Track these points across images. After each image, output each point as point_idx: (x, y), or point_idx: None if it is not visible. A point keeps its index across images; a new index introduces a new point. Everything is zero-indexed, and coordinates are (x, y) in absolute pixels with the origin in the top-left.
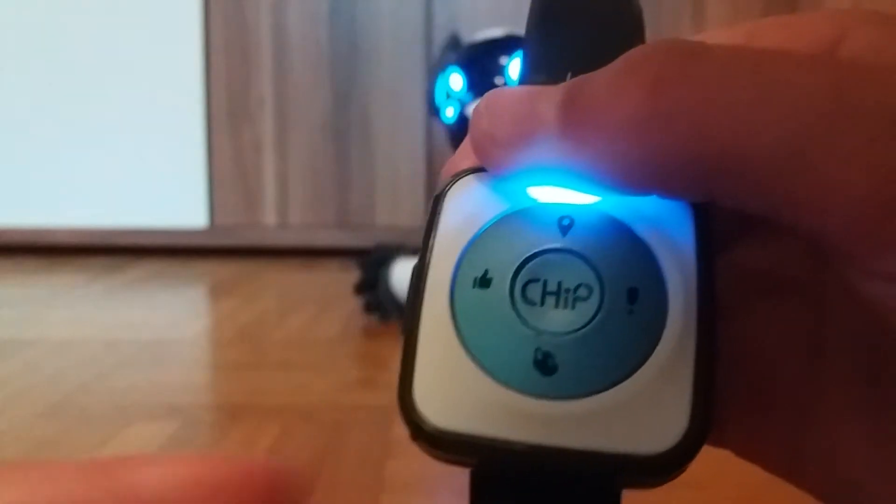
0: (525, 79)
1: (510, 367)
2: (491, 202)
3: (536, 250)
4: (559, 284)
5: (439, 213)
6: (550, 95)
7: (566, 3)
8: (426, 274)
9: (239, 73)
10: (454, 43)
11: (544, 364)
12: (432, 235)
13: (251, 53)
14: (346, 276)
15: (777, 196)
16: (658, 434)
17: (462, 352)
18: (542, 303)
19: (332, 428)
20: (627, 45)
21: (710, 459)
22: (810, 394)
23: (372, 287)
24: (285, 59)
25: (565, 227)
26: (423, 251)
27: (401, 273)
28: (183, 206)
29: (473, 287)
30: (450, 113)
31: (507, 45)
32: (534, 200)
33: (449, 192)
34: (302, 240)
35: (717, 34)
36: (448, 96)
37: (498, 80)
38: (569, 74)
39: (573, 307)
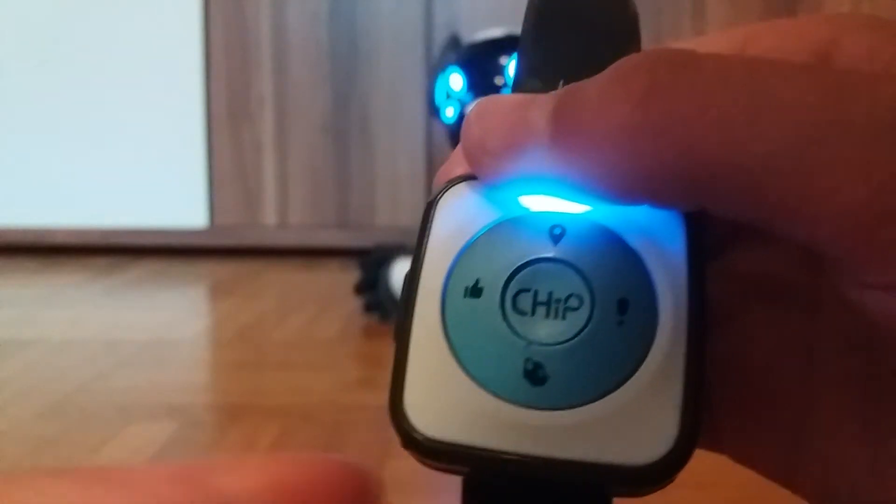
0: (519, 82)
1: (500, 377)
2: (482, 211)
3: (527, 259)
4: (550, 294)
5: (431, 221)
6: (541, 104)
7: (562, 8)
8: (418, 282)
9: (239, 73)
10: (454, 43)
11: (534, 374)
12: (424, 244)
13: (251, 53)
14: (346, 276)
15: (769, 206)
16: (647, 445)
17: (452, 361)
18: (533, 313)
19: (332, 428)
20: (622, 51)
21: (711, 459)
22: (806, 399)
23: (372, 287)
24: (285, 59)
25: (557, 236)
26: (414, 259)
27: (401, 273)
28: (183, 206)
29: (464, 296)
30: (450, 113)
31: (507, 45)
32: (525, 209)
33: (441, 200)
34: (302, 240)
35: (712, 39)
36: (448, 96)
37: (498, 80)
38: (561, 82)
39: (564, 317)
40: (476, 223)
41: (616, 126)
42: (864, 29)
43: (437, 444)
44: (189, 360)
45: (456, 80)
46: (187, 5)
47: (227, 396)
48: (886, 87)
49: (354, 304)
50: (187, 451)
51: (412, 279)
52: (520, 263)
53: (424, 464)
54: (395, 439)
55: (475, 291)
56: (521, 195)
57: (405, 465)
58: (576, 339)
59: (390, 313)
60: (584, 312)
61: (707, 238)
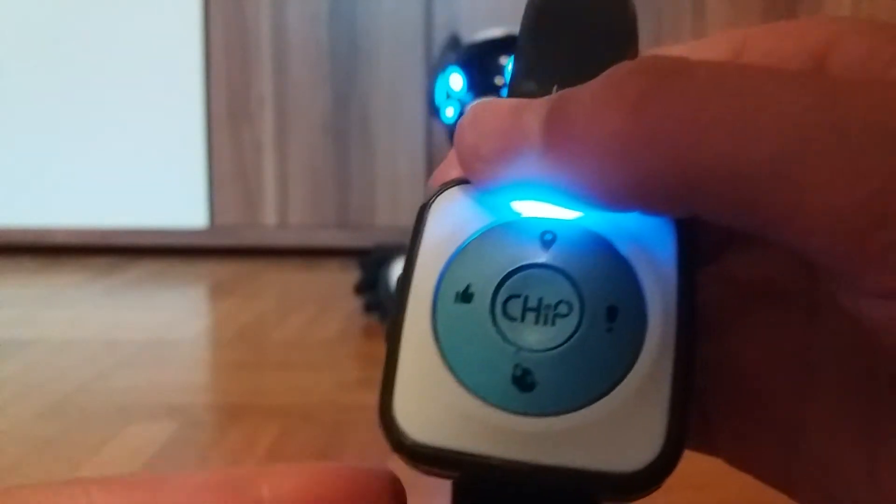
0: (514, 84)
1: (489, 383)
2: (475, 215)
3: (518, 265)
4: (540, 300)
5: (424, 225)
6: (535, 109)
7: (561, 9)
8: (409, 286)
9: (239, 73)
10: (454, 43)
11: (523, 380)
12: (416, 248)
13: (251, 53)
14: (346, 276)
15: (761, 214)
16: (634, 452)
17: (442, 366)
18: (523, 318)
19: (332, 428)
20: (620, 53)
21: (710, 460)
22: (803, 402)
23: (372, 287)
24: (285, 59)
25: (548, 241)
26: (407, 263)
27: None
28: (183, 206)
29: (455, 301)
30: (450, 113)
31: (507, 45)
32: (517, 214)
33: (434, 204)
34: (302, 240)
35: (712, 41)
36: (448, 96)
37: (498, 80)
38: (555, 87)
39: (553, 324)
40: (468, 228)
41: (609, 133)
42: (862, 32)
43: (426, 450)
44: (189, 360)
45: (456, 80)
46: (187, 5)
47: (227, 396)
48: (879, 94)
49: (354, 304)
50: (187, 452)
51: (404, 283)
52: (510, 269)
53: (413, 468)
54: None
55: (466, 297)
56: (513, 200)
57: (404, 464)
58: (565, 345)
59: (390, 313)
60: (573, 319)
61: (698, 244)
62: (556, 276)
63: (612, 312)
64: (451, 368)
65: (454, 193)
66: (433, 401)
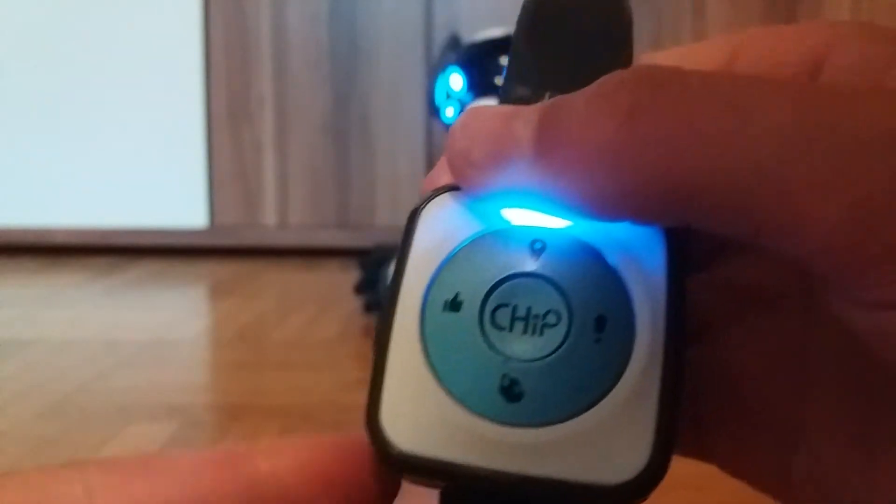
0: (507, 89)
1: (476, 393)
2: (464, 223)
3: (507, 274)
4: (528, 310)
5: (414, 232)
6: (526, 117)
7: (555, 13)
8: (398, 294)
9: (239, 73)
10: (454, 43)
11: (510, 391)
12: (406, 255)
13: (251, 53)
14: (346, 276)
15: (753, 223)
16: (620, 464)
17: (430, 376)
18: (511, 328)
19: (332, 428)
20: (614, 58)
21: None
22: (798, 408)
23: (372, 287)
24: (285, 59)
25: (537, 250)
26: (396, 270)
27: None
28: (183, 206)
29: (444, 310)
30: (450, 113)
31: (507, 45)
32: (507, 223)
33: (424, 211)
34: (302, 240)
35: (708, 45)
36: (448, 96)
37: (498, 80)
38: (547, 94)
39: (541, 334)
40: (458, 235)
41: (601, 142)
42: (857, 39)
43: (413, 459)
44: (189, 360)
45: (456, 80)
46: (187, 5)
47: (227, 396)
48: (869, 103)
49: (354, 304)
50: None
51: (393, 290)
52: (500, 278)
53: (400, 478)
54: None
55: (454, 305)
56: (503, 208)
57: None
58: (552, 355)
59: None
60: (561, 329)
61: (690, 252)
62: (545, 286)
63: (600, 323)
64: (439, 377)
65: (444, 200)
66: (420, 410)
